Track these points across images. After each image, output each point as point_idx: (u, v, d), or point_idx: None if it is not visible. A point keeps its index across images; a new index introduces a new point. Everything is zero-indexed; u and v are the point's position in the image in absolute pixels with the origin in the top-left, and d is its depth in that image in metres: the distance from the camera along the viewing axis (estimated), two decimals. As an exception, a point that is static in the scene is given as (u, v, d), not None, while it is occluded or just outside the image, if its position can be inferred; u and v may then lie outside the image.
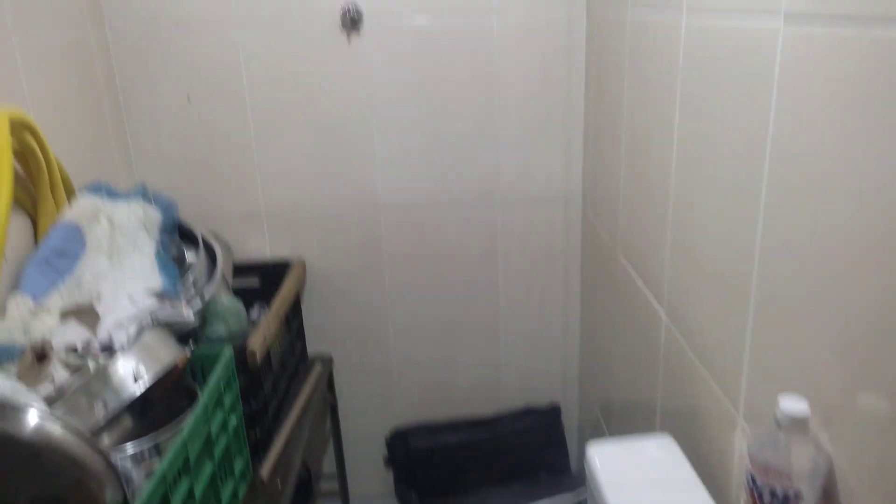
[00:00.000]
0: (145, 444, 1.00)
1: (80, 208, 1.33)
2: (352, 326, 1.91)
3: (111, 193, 1.40)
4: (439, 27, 1.65)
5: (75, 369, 0.99)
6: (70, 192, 1.35)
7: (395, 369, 1.96)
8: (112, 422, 1.06)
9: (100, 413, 1.00)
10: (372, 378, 1.96)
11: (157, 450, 1.01)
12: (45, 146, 1.22)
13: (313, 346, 1.90)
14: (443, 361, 1.96)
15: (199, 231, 1.55)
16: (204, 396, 1.12)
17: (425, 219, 1.81)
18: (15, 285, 1.20)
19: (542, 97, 1.71)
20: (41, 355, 1.02)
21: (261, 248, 1.83)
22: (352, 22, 1.63)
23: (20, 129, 1.13)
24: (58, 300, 1.23)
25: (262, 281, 1.78)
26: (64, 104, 1.45)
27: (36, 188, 1.26)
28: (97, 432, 1.00)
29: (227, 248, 1.66)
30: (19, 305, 1.17)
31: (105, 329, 1.05)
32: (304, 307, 1.87)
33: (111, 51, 1.64)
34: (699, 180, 1.00)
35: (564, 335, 1.95)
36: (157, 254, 1.38)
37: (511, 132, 1.74)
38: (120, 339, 1.03)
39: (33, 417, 0.86)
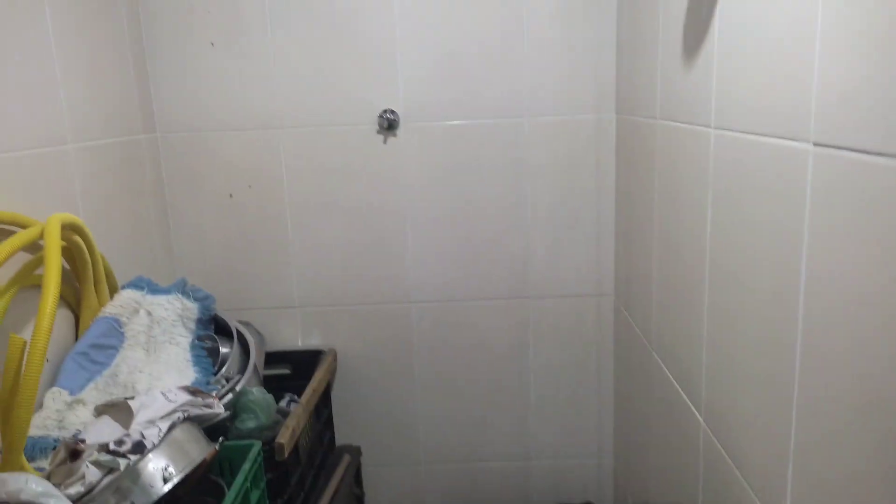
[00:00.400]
0: (170, 545, 1.00)
1: (121, 302, 1.38)
2: (381, 417, 1.90)
3: (152, 288, 1.45)
4: (472, 128, 1.72)
5: (107, 467, 1.00)
6: (113, 288, 1.40)
7: (423, 462, 1.93)
8: (139, 520, 1.07)
9: (128, 512, 1.01)
10: (400, 470, 1.93)
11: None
12: (91, 245, 1.28)
13: (342, 436, 1.89)
14: (472, 455, 1.92)
15: (234, 324, 1.58)
16: (231, 496, 1.11)
17: (456, 312, 1.83)
18: (53, 378, 1.24)
19: (571, 193, 1.75)
20: (74, 452, 1.03)
21: (293, 336, 1.86)
22: (388, 124, 1.70)
23: (69, 231, 1.19)
24: (94, 393, 1.26)
25: (294, 369, 1.80)
26: (113, 204, 1.53)
27: (80, 284, 1.31)
28: (123, 532, 1.00)
29: (260, 339, 1.69)
30: (55, 399, 1.20)
31: (137, 426, 1.06)
32: (333, 397, 1.87)
33: (160, 153, 1.74)
34: (735, 287, 0.98)
35: (598, 431, 1.90)
36: (193, 346, 1.42)
37: (542, 227, 1.77)
38: (151, 436, 1.05)
39: (61, 520, 0.87)
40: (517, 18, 1.66)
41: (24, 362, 0.97)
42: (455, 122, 1.72)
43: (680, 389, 1.26)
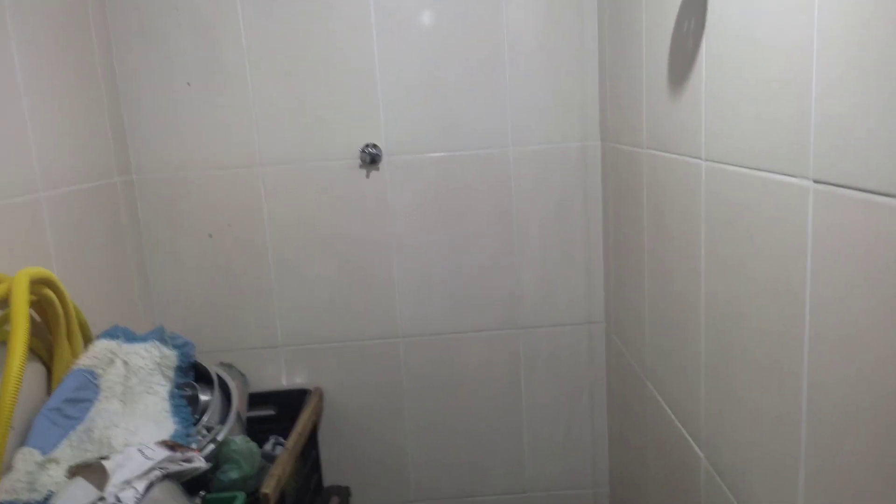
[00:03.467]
0: None
1: (96, 353, 1.33)
2: (370, 457, 1.84)
3: (128, 336, 1.39)
4: (456, 159, 1.69)
5: (79, 536, 0.94)
6: (88, 338, 1.35)
7: (414, 500, 1.87)
8: (116, 588, 1.01)
9: (103, 582, 0.95)
10: (393, 511, 1.88)
11: None
12: (63, 297, 1.23)
13: (330, 477, 1.83)
14: (465, 491, 1.87)
15: (214, 369, 1.53)
16: (213, 557, 1.06)
17: (446, 345, 1.79)
18: (24, 436, 1.18)
19: (560, 221, 1.72)
20: (45, 520, 0.97)
21: (277, 376, 1.81)
22: (371, 158, 1.67)
23: (39, 284, 1.14)
24: (68, 451, 1.20)
25: (278, 409, 1.74)
26: (88, 251, 1.47)
27: (53, 336, 1.26)
28: None
29: (243, 381, 1.63)
30: (26, 460, 1.14)
31: (113, 489, 1.01)
32: (320, 438, 1.82)
33: (137, 196, 1.70)
34: (734, 320, 0.95)
35: (593, 462, 1.86)
36: (172, 396, 1.36)
37: (531, 256, 1.74)
38: (127, 499, 0.99)
39: None
40: (498, 48, 1.64)
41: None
42: (439, 153, 1.69)
43: (677, 421, 1.23)
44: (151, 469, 1.09)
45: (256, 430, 1.57)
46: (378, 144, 1.67)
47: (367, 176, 1.69)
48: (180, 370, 1.44)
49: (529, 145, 1.68)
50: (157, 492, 1.05)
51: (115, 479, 1.04)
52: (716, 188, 0.98)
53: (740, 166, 0.90)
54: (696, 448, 1.14)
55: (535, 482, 1.87)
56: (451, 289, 1.76)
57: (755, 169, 0.85)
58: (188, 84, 1.64)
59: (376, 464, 1.85)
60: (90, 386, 1.29)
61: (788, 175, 0.77)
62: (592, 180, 1.70)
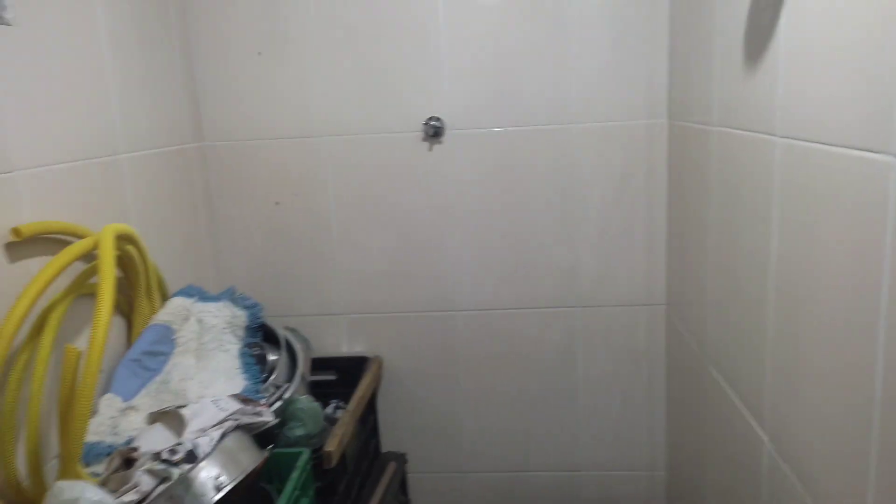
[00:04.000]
0: (221, 556, 1.00)
1: (172, 310, 1.40)
2: (426, 425, 1.89)
3: (202, 295, 1.46)
4: (518, 135, 1.69)
5: (160, 476, 1.01)
6: (164, 295, 1.42)
7: (468, 470, 1.91)
8: (190, 528, 1.07)
9: (180, 520, 1.01)
10: (445, 478, 1.92)
11: (233, 561, 1.01)
12: (144, 254, 1.30)
13: (387, 443, 1.89)
14: (518, 465, 1.90)
15: (282, 332, 1.59)
16: (283, 500, 1.11)
17: (502, 320, 1.80)
18: (107, 384, 1.26)
19: (622, 199, 1.71)
20: (128, 460, 1.04)
21: (338, 343, 1.86)
22: (434, 131, 1.69)
23: (123, 240, 1.21)
24: (146, 400, 1.27)
25: (339, 375, 1.80)
26: (164, 212, 1.55)
27: (133, 292, 1.33)
28: (175, 540, 1.00)
29: (306, 346, 1.69)
30: (109, 405, 1.22)
31: (190, 435, 1.07)
32: (378, 404, 1.87)
33: (208, 162, 1.76)
34: (806, 304, 0.93)
35: (650, 444, 1.86)
36: (242, 354, 1.42)
37: (591, 234, 1.73)
38: (203, 445, 1.05)
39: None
40: (564, 22, 1.63)
41: (79, 373, 0.98)
42: (501, 128, 1.70)
43: (740, 404, 1.22)
44: (225, 420, 1.15)
45: (317, 394, 1.62)
46: (441, 117, 1.69)
47: (430, 149, 1.71)
48: (249, 330, 1.50)
49: (593, 121, 1.67)
50: (230, 440, 1.11)
51: (191, 427, 1.10)
52: (791, 165, 0.96)
53: (818, 142, 0.88)
54: (760, 431, 1.12)
55: (587, 461, 1.88)
56: (508, 264, 1.77)
57: (833, 145, 0.83)
58: (259, 54, 1.69)
59: (432, 433, 1.89)
60: (167, 340, 1.36)
61: (870, 151, 0.75)
62: (657, 158, 1.68)
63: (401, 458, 1.85)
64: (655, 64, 1.63)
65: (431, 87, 1.68)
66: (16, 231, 1.04)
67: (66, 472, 0.98)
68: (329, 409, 1.68)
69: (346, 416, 1.50)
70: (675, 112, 1.60)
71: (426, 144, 1.71)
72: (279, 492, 1.19)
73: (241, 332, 1.48)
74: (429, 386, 1.86)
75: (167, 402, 1.25)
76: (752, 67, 1.09)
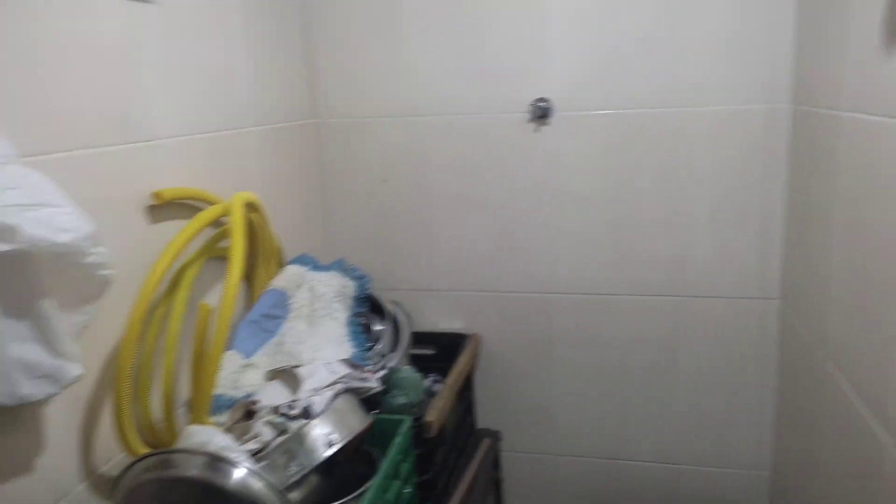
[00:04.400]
0: (332, 508, 1.06)
1: (287, 277, 1.48)
2: (521, 405, 1.90)
3: (314, 265, 1.53)
4: (629, 118, 1.65)
5: (278, 429, 1.07)
6: (280, 263, 1.50)
7: (563, 453, 1.91)
8: (301, 480, 1.14)
9: (293, 471, 1.08)
10: (539, 459, 1.93)
11: (341, 515, 1.06)
12: (266, 222, 1.38)
13: (482, 420, 1.92)
14: (614, 452, 1.88)
15: (388, 304, 1.64)
16: (385, 466, 1.16)
17: (602, 306, 1.78)
18: (229, 343, 1.35)
19: (735, 187, 1.64)
20: (249, 412, 1.12)
21: (436, 319, 1.90)
22: (540, 112, 1.68)
23: (249, 209, 1.29)
24: (263, 359, 1.35)
25: (437, 350, 1.84)
26: (282, 184, 1.63)
27: (254, 257, 1.41)
28: (289, 488, 1.07)
29: (408, 319, 1.74)
30: (232, 361, 1.31)
31: (305, 393, 1.13)
32: (475, 381, 1.90)
33: (322, 138, 1.84)
34: None
35: (755, 443, 1.78)
36: (349, 322, 1.48)
37: (701, 223, 1.68)
38: (318, 403, 1.11)
39: (240, 472, 0.95)
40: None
41: (210, 329, 1.06)
42: (609, 110, 1.67)
43: (861, 406, 1.15)
44: (335, 382, 1.21)
45: (415, 367, 1.67)
46: (548, 98, 1.68)
47: (535, 130, 1.71)
48: (357, 300, 1.56)
49: (708, 105, 1.61)
50: (340, 402, 1.16)
51: (305, 386, 1.16)
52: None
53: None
54: (884, 435, 1.06)
55: (687, 455, 1.83)
56: (612, 250, 1.74)
57: None
58: (374, 33, 1.74)
59: (527, 413, 1.90)
60: (282, 305, 1.44)
61: None
62: (776, 145, 1.59)
63: (495, 436, 1.87)
64: (779, 44, 1.55)
65: (540, 67, 1.67)
66: (158, 195, 1.12)
67: (196, 420, 1.07)
68: (427, 382, 1.73)
69: (446, 389, 1.54)
70: (800, 96, 1.52)
71: (532, 125, 1.71)
72: (380, 456, 1.24)
73: (349, 302, 1.54)
74: (526, 366, 1.87)
75: (282, 363, 1.32)
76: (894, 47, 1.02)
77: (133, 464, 0.95)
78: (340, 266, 1.58)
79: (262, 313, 1.40)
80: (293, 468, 1.07)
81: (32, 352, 0.81)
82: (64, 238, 0.80)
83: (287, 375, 1.22)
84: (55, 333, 0.82)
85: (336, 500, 1.10)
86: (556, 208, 1.75)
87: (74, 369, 0.84)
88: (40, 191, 0.81)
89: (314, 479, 1.20)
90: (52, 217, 0.80)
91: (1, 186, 0.77)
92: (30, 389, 0.80)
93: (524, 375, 1.88)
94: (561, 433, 1.90)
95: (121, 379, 1.01)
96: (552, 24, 1.64)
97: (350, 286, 1.55)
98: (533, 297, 1.83)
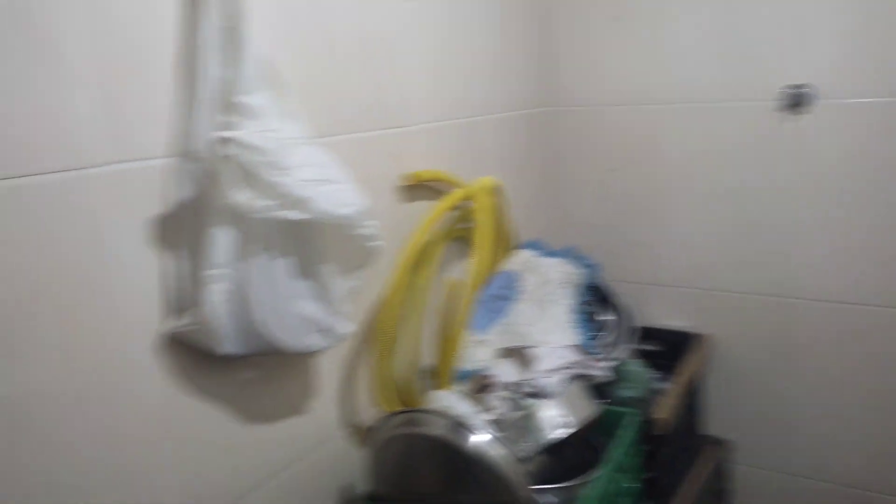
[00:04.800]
0: (562, 492, 1.07)
1: (519, 260, 1.52)
2: (755, 416, 1.76)
3: (545, 250, 1.55)
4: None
5: (512, 404, 1.11)
6: (513, 246, 1.54)
7: (801, 474, 1.73)
8: (530, 456, 1.17)
9: (525, 448, 1.11)
10: (773, 477, 1.77)
11: (569, 498, 1.07)
12: (504, 207, 1.42)
13: (707, 426, 1.81)
14: (867, 482, 1.66)
15: (616, 295, 1.62)
16: (615, 457, 1.15)
17: (859, 316, 1.58)
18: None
19: None
20: (485, 386, 1.17)
21: (660, 314, 1.83)
22: (795, 100, 1.54)
23: (494, 193, 1.34)
24: (495, 337, 1.41)
25: (663, 348, 1.77)
26: (517, 172, 1.68)
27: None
28: (521, 462, 1.10)
29: (634, 313, 1.70)
30: (467, 337, 1.38)
31: (538, 374, 1.16)
32: (703, 385, 1.80)
33: (556, 126, 1.85)
34: None
35: None
36: (576, 310, 1.49)
37: None
38: (551, 385, 1.13)
39: (483, 437, 0.99)
40: None
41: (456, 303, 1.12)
42: (877, 99, 1.47)
43: None
44: (565, 367, 1.22)
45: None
46: (806, 84, 1.52)
47: (786, 119, 1.56)
48: (583, 288, 1.56)
49: None
50: (573, 386, 1.17)
51: (539, 367, 1.19)
52: None
53: None
54: None
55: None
56: (873, 256, 1.54)
57: None
58: (616, 19, 1.71)
59: (761, 426, 1.75)
60: (513, 287, 1.48)
61: None
62: None
63: (724, 445, 1.76)
64: None
65: (794, 50, 1.52)
66: (416, 175, 1.21)
67: (441, 385, 1.14)
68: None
69: (675, 388, 1.48)
70: None
71: (782, 114, 1.57)
72: (603, 447, 1.22)
73: (576, 289, 1.54)
74: (762, 376, 1.73)
75: (513, 342, 1.36)
76: None
77: (386, 418, 1.05)
78: (571, 253, 1.58)
79: (493, 293, 1.45)
80: (525, 444, 1.10)
81: (315, 309, 0.92)
82: (345, 211, 0.89)
83: (518, 355, 1.25)
84: (333, 294, 0.93)
85: (560, 483, 1.12)
86: (804, 207, 1.59)
87: (347, 326, 0.94)
88: (327, 168, 0.92)
89: (541, 459, 1.22)
90: (336, 192, 0.90)
91: (298, 164, 0.88)
92: (312, 340, 0.91)
93: (760, 385, 1.74)
94: (801, 453, 1.72)
95: (382, 342, 1.11)
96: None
97: (578, 273, 1.54)
98: (772, 300, 1.68)
